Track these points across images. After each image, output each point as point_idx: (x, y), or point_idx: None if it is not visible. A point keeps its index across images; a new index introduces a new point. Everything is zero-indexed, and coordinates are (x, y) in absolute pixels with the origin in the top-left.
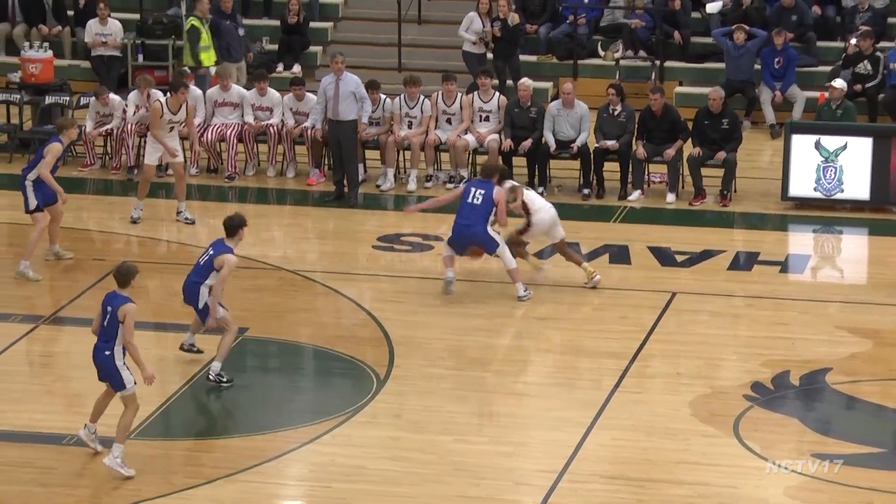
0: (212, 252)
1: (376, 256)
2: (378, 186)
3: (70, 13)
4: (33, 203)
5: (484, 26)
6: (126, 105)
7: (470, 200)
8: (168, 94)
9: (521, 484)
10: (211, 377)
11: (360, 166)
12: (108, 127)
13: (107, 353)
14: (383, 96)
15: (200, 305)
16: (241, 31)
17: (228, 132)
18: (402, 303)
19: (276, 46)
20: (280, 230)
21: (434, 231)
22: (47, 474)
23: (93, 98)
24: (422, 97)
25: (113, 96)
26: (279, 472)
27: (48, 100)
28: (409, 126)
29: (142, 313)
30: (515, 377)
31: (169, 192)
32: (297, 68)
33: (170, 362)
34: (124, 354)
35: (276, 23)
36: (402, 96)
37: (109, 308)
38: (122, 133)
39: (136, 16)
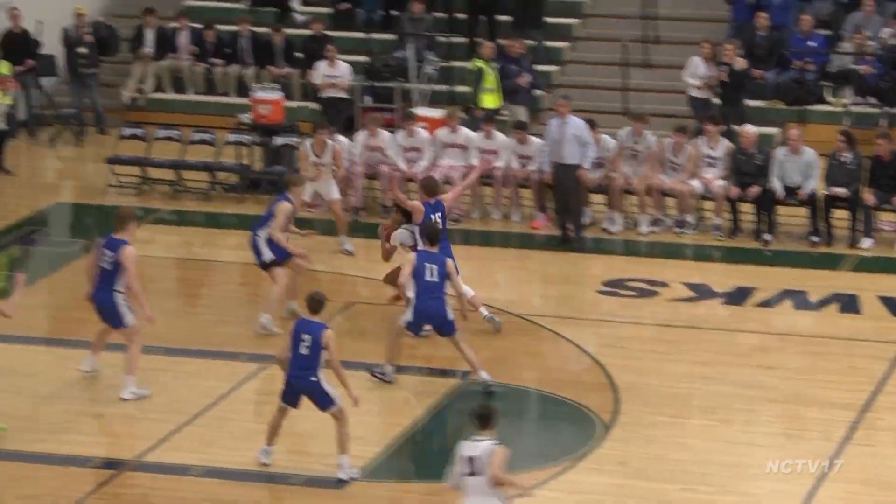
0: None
1: (601, 301)
2: (605, 229)
3: (299, 55)
4: (268, 256)
5: (709, 71)
6: (352, 146)
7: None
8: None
9: None
10: (483, 380)
11: (586, 210)
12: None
13: (313, 378)
14: (604, 136)
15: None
16: (529, 77)
17: (454, 174)
18: (626, 349)
19: None
20: (505, 273)
21: (660, 277)
22: None
23: None
24: (646, 133)
25: (340, 138)
26: None
27: (278, 141)
28: (634, 157)
29: (362, 354)
30: (742, 426)
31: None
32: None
33: (393, 403)
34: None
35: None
36: (629, 130)
37: (307, 336)
38: (350, 174)
39: (365, 58)
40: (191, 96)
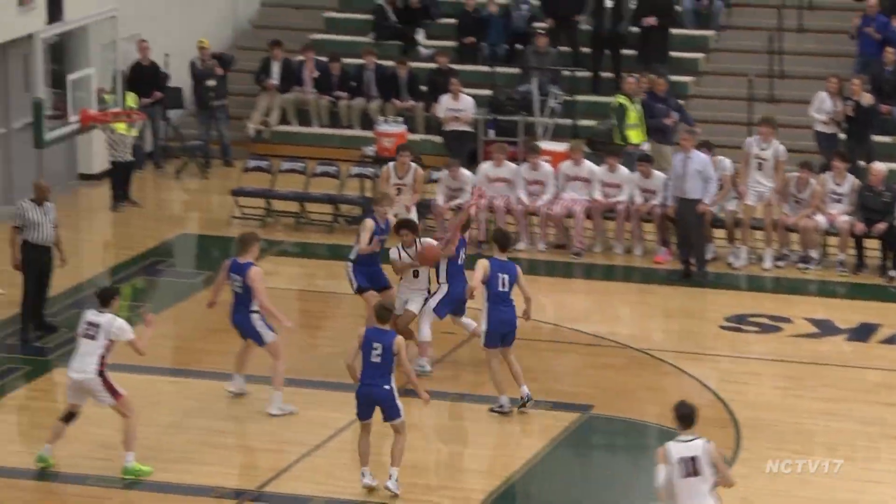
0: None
1: (723, 336)
2: (729, 264)
3: (424, 88)
4: (356, 284)
5: (835, 106)
6: (475, 179)
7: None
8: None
9: None
10: (525, 395)
11: (709, 245)
12: (459, 202)
13: (386, 387)
14: (720, 157)
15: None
16: (676, 116)
17: (576, 208)
18: (748, 384)
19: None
20: (627, 308)
21: (783, 313)
22: None
23: (445, 172)
24: (776, 142)
25: (463, 171)
26: None
27: None
28: (760, 168)
29: (481, 386)
30: (865, 463)
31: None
32: (646, 146)
33: (512, 436)
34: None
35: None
36: (756, 138)
37: (378, 345)
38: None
39: (488, 92)
40: (315, 129)
